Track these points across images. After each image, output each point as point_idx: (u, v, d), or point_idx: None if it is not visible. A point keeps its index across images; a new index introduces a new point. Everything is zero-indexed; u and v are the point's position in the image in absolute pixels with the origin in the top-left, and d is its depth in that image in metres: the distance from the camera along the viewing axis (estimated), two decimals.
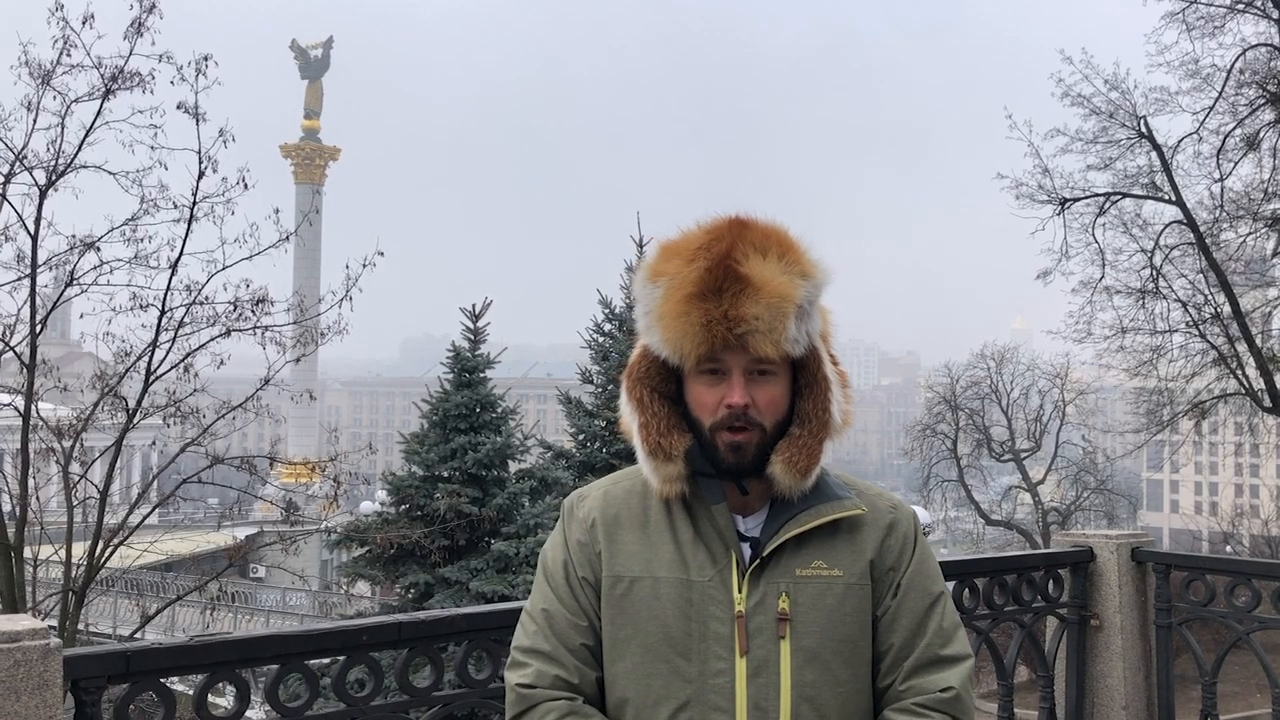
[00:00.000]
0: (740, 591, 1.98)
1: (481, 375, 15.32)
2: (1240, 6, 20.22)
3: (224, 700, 3.05)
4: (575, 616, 2.06)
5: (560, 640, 2.05)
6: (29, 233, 11.06)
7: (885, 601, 2.05)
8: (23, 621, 2.61)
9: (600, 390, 16.96)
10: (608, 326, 17.16)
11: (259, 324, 11.79)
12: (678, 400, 2.08)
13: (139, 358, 11.77)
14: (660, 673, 1.98)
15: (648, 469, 2.07)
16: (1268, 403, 21.13)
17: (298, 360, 13.59)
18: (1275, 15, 19.71)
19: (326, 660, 3.30)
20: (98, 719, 2.73)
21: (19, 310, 12.04)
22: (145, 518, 12.29)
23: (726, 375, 1.99)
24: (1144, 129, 21.07)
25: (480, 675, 3.34)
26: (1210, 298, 21.48)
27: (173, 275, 11.34)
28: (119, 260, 11.47)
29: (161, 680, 2.83)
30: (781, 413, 2.03)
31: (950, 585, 4.36)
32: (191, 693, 2.90)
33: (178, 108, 11.04)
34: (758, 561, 2.00)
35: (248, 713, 2.90)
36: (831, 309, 2.09)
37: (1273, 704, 4.58)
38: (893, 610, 2.05)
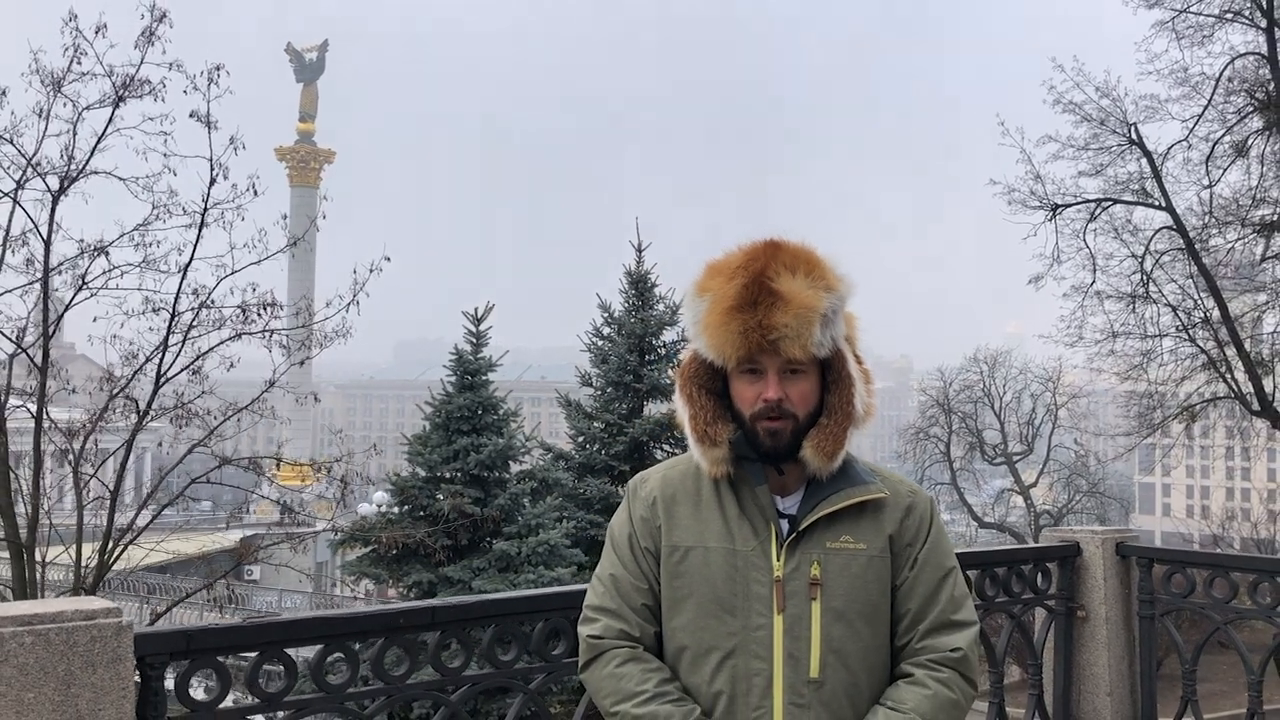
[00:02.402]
0: (778, 559, 2.33)
1: (484, 378, 15.55)
2: (1229, 16, 20.54)
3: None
4: (637, 580, 2.43)
5: (624, 600, 2.42)
6: (42, 237, 11.29)
7: (904, 573, 2.39)
8: (96, 602, 2.84)
9: (599, 393, 17.18)
10: (607, 330, 17.37)
11: (268, 328, 12.02)
12: (723, 395, 2.41)
13: (148, 360, 11.99)
14: (711, 626, 2.34)
15: (697, 453, 2.40)
16: (1256, 406, 21.42)
17: (302, 363, 13.83)
18: (1263, 25, 20.01)
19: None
20: (161, 693, 2.96)
21: (30, 313, 12.29)
22: (155, 516, 12.50)
23: (763, 374, 2.34)
24: (1134, 136, 21.37)
25: (506, 657, 3.58)
26: (1200, 302, 21.75)
27: (183, 280, 11.57)
28: (129, 264, 11.68)
29: (218, 658, 3.07)
30: (812, 405, 2.37)
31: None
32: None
33: (190, 116, 11.28)
34: (794, 534, 2.35)
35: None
36: (859, 315, 2.43)
37: (1248, 689, 4.84)
38: (910, 580, 2.39)
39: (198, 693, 3.03)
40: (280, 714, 3.20)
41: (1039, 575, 5.11)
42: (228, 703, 3.05)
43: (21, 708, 2.63)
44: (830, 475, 2.38)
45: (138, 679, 2.91)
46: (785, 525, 2.36)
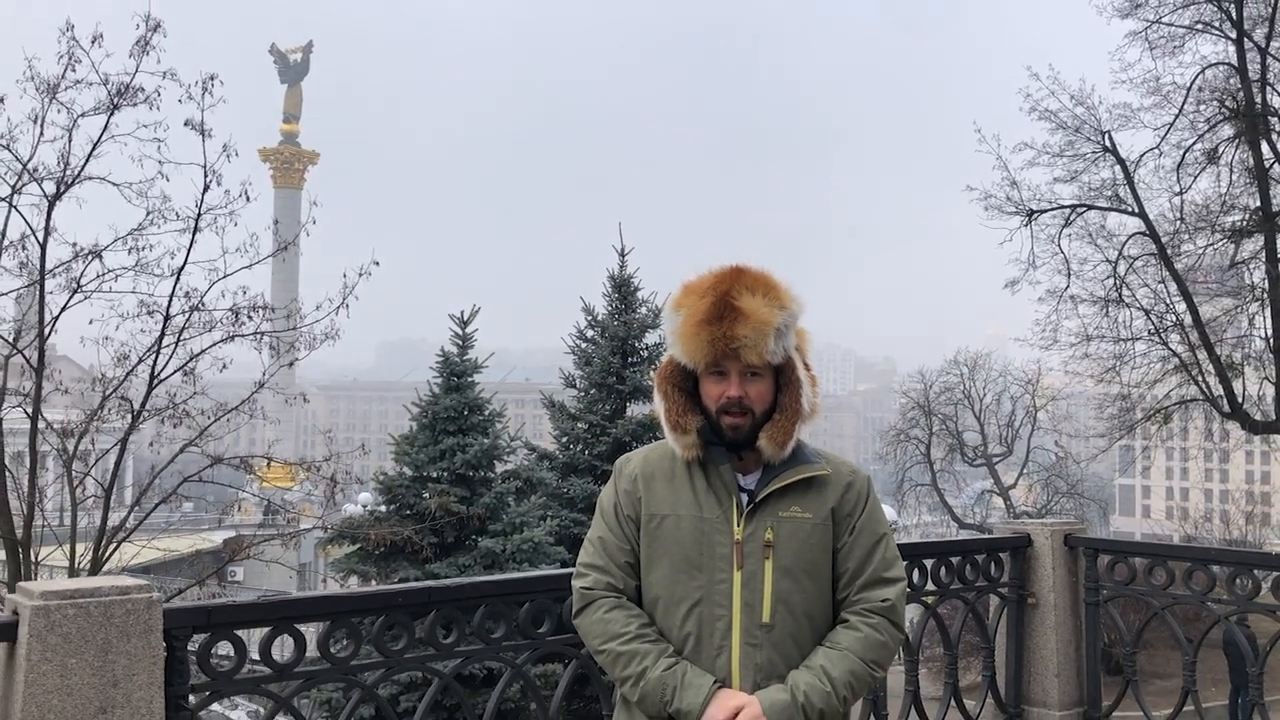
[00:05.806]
0: (738, 526, 2.81)
1: (469, 379, 15.85)
2: (1199, 27, 21.04)
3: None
4: (621, 542, 2.91)
5: (610, 558, 2.90)
6: (37, 241, 11.53)
7: (844, 538, 2.87)
8: (128, 580, 3.18)
9: (583, 394, 17.49)
10: (590, 333, 17.68)
11: (259, 330, 12.29)
12: (692, 393, 2.89)
13: (140, 361, 12.25)
14: (680, 580, 2.81)
15: (671, 439, 2.89)
16: (1227, 409, 21.88)
17: (291, 364, 14.11)
18: (1233, 35, 20.49)
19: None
20: (185, 661, 3.30)
21: (24, 315, 12.55)
22: (148, 514, 12.75)
23: (727, 376, 2.82)
24: (1108, 143, 21.84)
25: (495, 634, 3.91)
26: (1171, 306, 22.23)
27: (176, 283, 11.83)
28: (123, 268, 11.93)
29: (235, 632, 3.40)
30: (767, 403, 2.85)
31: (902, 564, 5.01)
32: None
33: (185, 125, 11.54)
34: (752, 505, 2.82)
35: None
36: (810, 329, 2.92)
37: (1183, 669, 5.21)
38: (849, 544, 2.87)
39: (217, 662, 3.36)
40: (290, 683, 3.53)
41: (992, 564, 5.48)
42: (244, 672, 3.38)
43: (65, 671, 2.97)
44: (783, 460, 2.84)
45: (165, 649, 3.23)
46: (745, 498, 2.82)
